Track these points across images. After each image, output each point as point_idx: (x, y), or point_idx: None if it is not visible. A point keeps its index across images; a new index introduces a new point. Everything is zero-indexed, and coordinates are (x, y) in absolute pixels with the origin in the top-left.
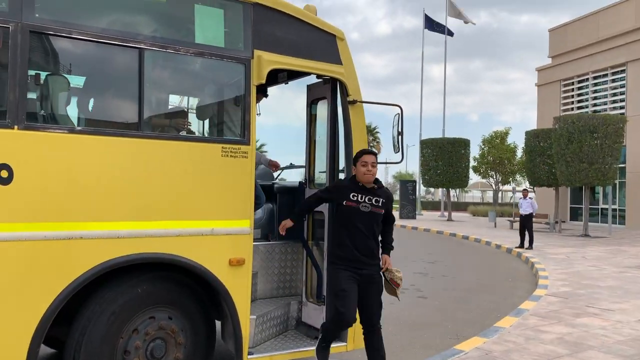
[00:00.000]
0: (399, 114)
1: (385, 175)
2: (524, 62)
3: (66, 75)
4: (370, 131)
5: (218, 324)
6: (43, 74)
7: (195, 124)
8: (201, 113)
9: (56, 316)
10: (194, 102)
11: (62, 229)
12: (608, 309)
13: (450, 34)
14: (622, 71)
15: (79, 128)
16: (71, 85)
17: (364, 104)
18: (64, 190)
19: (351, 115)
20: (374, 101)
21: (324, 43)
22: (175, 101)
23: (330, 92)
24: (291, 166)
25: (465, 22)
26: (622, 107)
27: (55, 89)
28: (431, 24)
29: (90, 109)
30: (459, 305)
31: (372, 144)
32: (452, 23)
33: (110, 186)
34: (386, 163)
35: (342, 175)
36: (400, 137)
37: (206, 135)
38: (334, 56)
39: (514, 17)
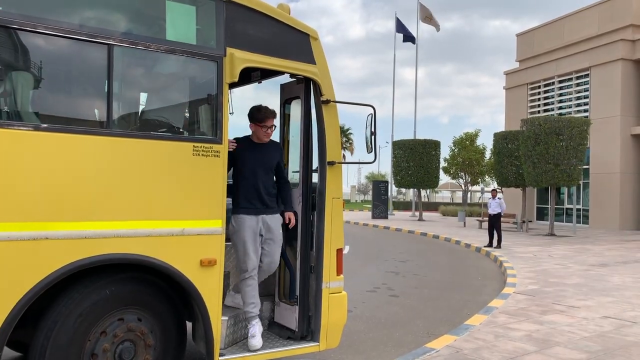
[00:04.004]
0: (372, 114)
1: (359, 175)
2: (494, 66)
3: (31, 72)
4: (344, 132)
5: (189, 325)
6: (7, 70)
7: (166, 123)
8: (172, 111)
9: (20, 318)
10: (164, 100)
11: (26, 229)
12: (574, 306)
13: (414, 40)
14: (586, 75)
15: (44, 125)
16: (37, 81)
17: (337, 104)
18: (29, 189)
19: (325, 115)
20: (348, 101)
21: (297, 42)
22: (145, 99)
23: (304, 91)
24: None
25: (433, 26)
26: (585, 110)
27: (20, 85)
28: (402, 29)
29: (56, 106)
30: (430, 303)
31: (345, 145)
32: (423, 28)
33: (76, 185)
34: (359, 163)
35: (315, 176)
36: (373, 137)
37: (177, 134)
38: (307, 55)
39: (485, 22)
